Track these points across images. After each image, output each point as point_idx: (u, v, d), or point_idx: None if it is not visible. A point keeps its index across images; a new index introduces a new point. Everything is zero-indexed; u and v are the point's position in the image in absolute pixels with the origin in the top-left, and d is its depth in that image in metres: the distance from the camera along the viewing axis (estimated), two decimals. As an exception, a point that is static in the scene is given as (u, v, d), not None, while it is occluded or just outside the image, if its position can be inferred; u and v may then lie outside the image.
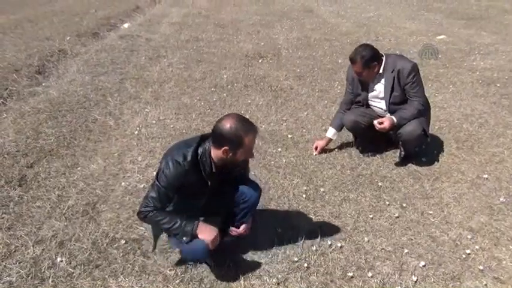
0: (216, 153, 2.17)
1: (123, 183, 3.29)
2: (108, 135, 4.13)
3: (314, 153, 3.73)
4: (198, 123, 4.40)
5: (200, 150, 2.19)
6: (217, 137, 2.13)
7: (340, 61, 6.61)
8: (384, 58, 3.37)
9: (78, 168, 3.51)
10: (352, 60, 3.31)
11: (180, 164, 2.12)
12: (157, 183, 2.17)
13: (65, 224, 2.81)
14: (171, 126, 4.32)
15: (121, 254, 2.54)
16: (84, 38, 8.14)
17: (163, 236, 2.48)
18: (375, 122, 3.30)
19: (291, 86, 5.51)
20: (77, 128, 4.24)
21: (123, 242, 2.64)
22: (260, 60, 6.74)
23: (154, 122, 4.42)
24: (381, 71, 3.36)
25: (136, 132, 4.17)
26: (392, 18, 10.15)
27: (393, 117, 3.31)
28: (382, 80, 3.40)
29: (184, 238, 2.18)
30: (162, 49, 7.45)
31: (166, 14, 11.46)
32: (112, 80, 5.70)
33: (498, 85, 5.38)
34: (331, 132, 3.72)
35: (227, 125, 2.08)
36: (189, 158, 2.14)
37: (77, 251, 2.56)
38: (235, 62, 6.66)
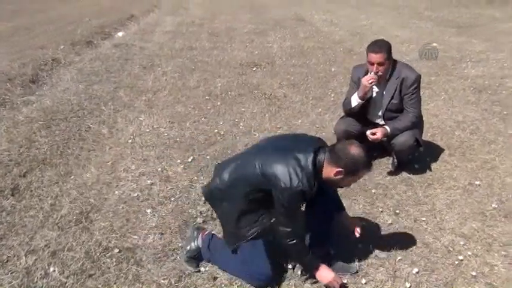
0: (328, 170, 2.17)
1: (116, 192, 3.28)
2: (102, 143, 4.13)
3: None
4: (192, 131, 4.41)
5: (314, 165, 2.17)
6: (339, 157, 2.13)
7: (333, 69, 6.66)
8: None
9: (72, 177, 3.50)
10: (378, 49, 3.22)
11: (305, 192, 2.11)
12: (286, 212, 2.16)
13: (58, 233, 2.80)
14: (165, 134, 4.32)
15: (114, 263, 2.52)
16: (78, 47, 8.15)
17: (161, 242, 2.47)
18: (368, 132, 3.29)
19: (284, 94, 5.54)
20: (70, 137, 4.24)
21: (116, 251, 2.63)
22: (254, 69, 6.77)
23: (148, 130, 4.43)
24: (387, 76, 3.35)
25: (130, 140, 4.17)
26: (384, 26, 10.25)
27: (387, 127, 3.32)
28: (386, 85, 3.38)
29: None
30: (156, 58, 7.47)
31: (160, 23, 11.52)
32: (106, 89, 5.71)
33: (489, 92, 5.44)
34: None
35: (354, 152, 2.11)
36: (314, 184, 2.13)
37: (69, 260, 2.55)
38: (229, 70, 6.69)
